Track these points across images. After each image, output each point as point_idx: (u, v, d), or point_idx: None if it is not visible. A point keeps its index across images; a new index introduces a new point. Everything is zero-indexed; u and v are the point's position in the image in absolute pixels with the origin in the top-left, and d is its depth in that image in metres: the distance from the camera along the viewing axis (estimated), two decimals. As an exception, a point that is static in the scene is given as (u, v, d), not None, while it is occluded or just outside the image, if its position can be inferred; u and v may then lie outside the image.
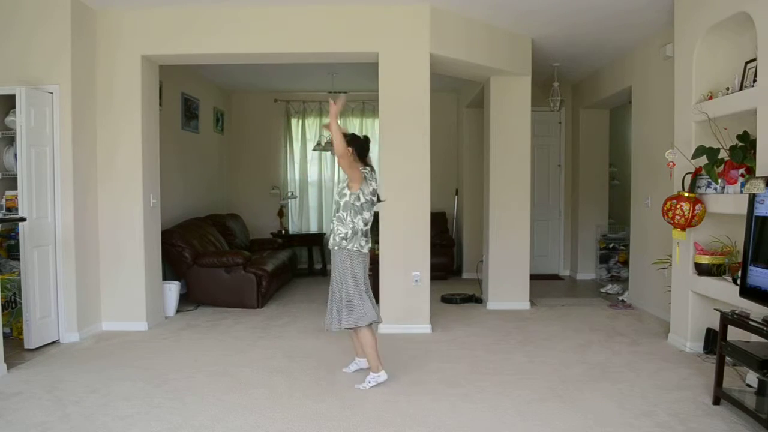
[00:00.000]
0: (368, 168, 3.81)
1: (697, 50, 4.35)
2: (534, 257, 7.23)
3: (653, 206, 5.68)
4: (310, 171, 9.03)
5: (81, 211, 4.89)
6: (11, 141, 4.83)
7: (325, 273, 8.56)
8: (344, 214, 3.70)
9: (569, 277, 8.34)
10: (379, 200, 3.87)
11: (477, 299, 6.42)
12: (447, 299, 6.44)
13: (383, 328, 5.12)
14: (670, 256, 4.80)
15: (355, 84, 8.22)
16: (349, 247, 3.70)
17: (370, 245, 3.81)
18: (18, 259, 4.58)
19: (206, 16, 5.08)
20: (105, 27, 5.09)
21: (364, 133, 3.87)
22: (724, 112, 4.03)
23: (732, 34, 4.21)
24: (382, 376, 3.73)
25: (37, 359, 4.26)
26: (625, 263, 7.35)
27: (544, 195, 8.40)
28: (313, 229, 9.07)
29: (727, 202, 3.96)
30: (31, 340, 4.45)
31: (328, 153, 8.74)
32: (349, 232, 3.69)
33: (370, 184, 3.74)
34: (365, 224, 3.74)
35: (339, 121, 3.67)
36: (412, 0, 5.01)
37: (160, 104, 5.78)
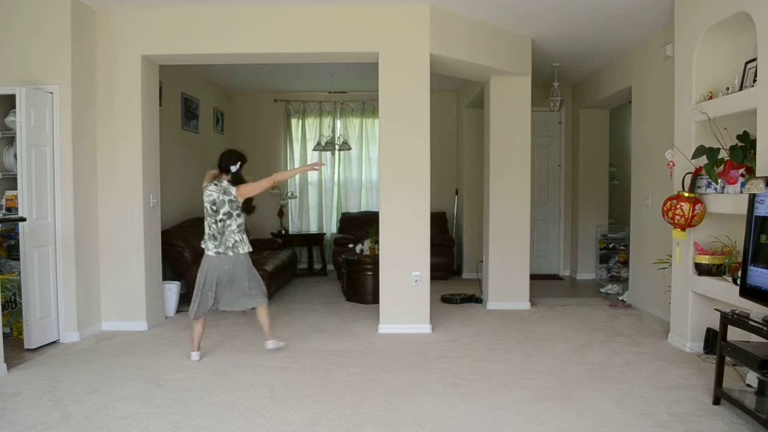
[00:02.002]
0: (224, 181, 4.25)
1: (697, 50, 4.35)
2: (534, 257, 7.23)
3: (653, 206, 5.68)
4: (310, 171, 9.01)
5: (81, 211, 4.90)
6: (11, 141, 4.83)
7: (325, 273, 8.56)
8: None
9: (569, 277, 8.34)
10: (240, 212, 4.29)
11: (477, 299, 6.42)
12: (447, 299, 6.43)
13: (384, 329, 5.13)
14: (670, 256, 4.80)
15: (355, 84, 8.23)
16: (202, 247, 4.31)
17: (218, 251, 4.22)
18: (18, 259, 4.59)
19: (206, 16, 5.08)
20: (105, 27, 5.09)
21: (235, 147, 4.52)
22: (724, 112, 4.03)
23: (732, 34, 4.21)
24: (194, 356, 4.25)
25: (37, 359, 4.26)
26: (625, 263, 7.35)
27: (544, 195, 8.40)
28: (313, 229, 9.07)
29: (727, 202, 3.96)
30: (31, 340, 4.45)
31: (328, 153, 8.74)
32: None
33: (212, 194, 4.20)
34: (208, 228, 4.24)
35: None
36: (412, 0, 5.01)
37: (160, 104, 5.78)
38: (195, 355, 4.26)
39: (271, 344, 4.42)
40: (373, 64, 5.29)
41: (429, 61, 5.11)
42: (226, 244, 4.21)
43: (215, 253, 4.20)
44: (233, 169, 4.29)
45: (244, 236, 4.32)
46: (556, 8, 5.03)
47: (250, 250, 4.35)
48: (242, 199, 4.26)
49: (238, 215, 4.26)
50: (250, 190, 4.29)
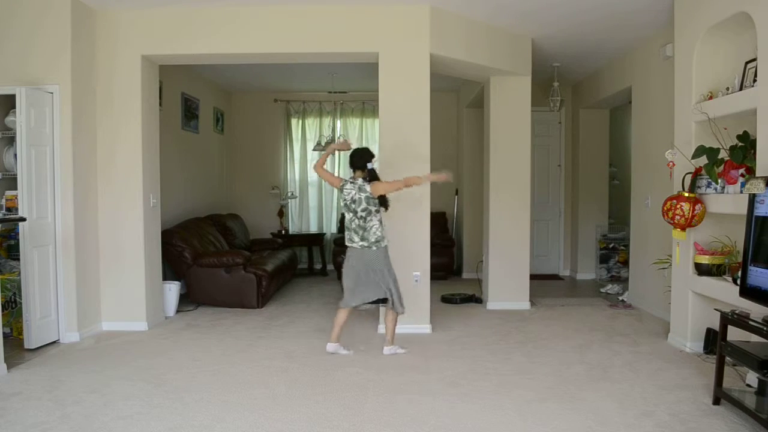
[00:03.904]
0: (360, 179, 4.37)
1: (697, 50, 4.35)
2: (534, 257, 7.23)
3: (653, 206, 5.68)
4: (310, 171, 9.01)
5: (81, 211, 4.89)
6: (11, 141, 4.83)
7: (325, 273, 8.56)
8: None
9: (569, 277, 8.34)
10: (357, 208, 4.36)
11: (477, 299, 6.42)
12: (447, 299, 6.43)
13: (383, 329, 5.12)
14: (670, 256, 4.80)
15: (355, 84, 8.22)
16: None
17: (350, 242, 4.43)
18: (18, 259, 4.59)
19: (206, 16, 5.08)
20: (105, 27, 5.09)
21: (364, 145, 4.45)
22: (724, 112, 4.03)
23: (732, 34, 4.21)
24: (328, 347, 4.46)
25: (37, 359, 4.26)
26: (625, 263, 7.35)
27: (544, 195, 8.40)
28: (313, 229, 9.06)
29: (727, 202, 3.96)
30: (31, 340, 4.45)
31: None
32: None
33: (350, 192, 4.35)
34: (350, 223, 4.41)
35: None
36: (412, 0, 5.01)
37: (160, 104, 5.78)
38: (330, 346, 4.44)
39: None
40: (373, 64, 5.29)
41: (429, 61, 5.11)
42: (369, 240, 4.33)
43: (360, 246, 4.35)
44: (369, 166, 4.41)
45: (384, 230, 4.42)
46: (554, 7, 5.03)
47: (387, 243, 4.47)
48: (377, 195, 4.35)
49: (377, 211, 4.38)
50: (383, 188, 4.37)
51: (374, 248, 4.33)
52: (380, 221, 4.38)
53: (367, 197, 4.32)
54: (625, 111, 7.53)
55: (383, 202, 4.43)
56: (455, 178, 8.82)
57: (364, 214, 4.33)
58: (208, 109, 7.99)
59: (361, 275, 4.37)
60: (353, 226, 4.37)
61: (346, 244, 4.45)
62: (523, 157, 6.02)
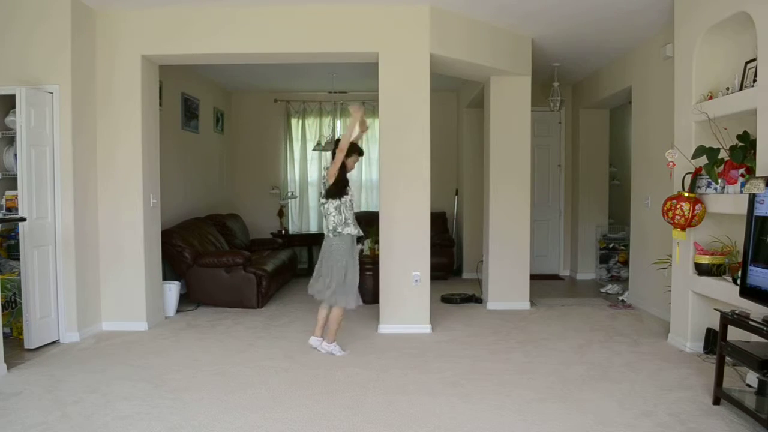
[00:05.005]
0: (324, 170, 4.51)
1: (697, 50, 4.35)
2: (534, 257, 7.22)
3: (653, 206, 5.68)
4: (310, 171, 9.03)
5: (81, 211, 4.89)
6: (11, 141, 4.83)
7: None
8: None
9: (569, 277, 8.34)
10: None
11: (477, 299, 6.42)
12: (447, 299, 6.43)
13: (384, 329, 5.13)
14: (670, 256, 4.80)
15: (355, 84, 8.23)
16: None
17: (324, 232, 4.44)
18: (18, 259, 4.59)
19: (206, 16, 5.08)
20: (105, 27, 5.09)
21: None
22: (724, 112, 4.03)
23: (732, 34, 4.21)
24: (311, 340, 4.51)
25: (37, 359, 4.26)
26: (625, 263, 7.35)
27: (544, 195, 8.40)
28: (313, 229, 9.06)
29: (727, 202, 3.96)
30: (31, 340, 4.45)
31: (328, 153, 8.71)
32: None
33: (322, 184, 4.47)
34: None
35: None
36: (412, 0, 5.01)
37: (160, 104, 5.78)
38: (312, 340, 4.50)
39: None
40: (373, 64, 5.29)
41: (429, 61, 5.11)
42: (329, 227, 4.36)
43: (326, 234, 4.39)
44: (330, 157, 4.52)
45: (346, 217, 4.33)
46: (555, 7, 5.03)
47: (357, 233, 4.40)
48: (331, 180, 4.32)
49: (332, 197, 4.38)
50: (331, 170, 4.34)
51: (332, 235, 4.32)
52: (336, 208, 4.31)
53: (324, 183, 4.40)
54: (625, 111, 7.54)
55: (329, 190, 4.30)
56: (455, 178, 8.84)
57: (323, 200, 4.39)
58: (208, 109, 7.99)
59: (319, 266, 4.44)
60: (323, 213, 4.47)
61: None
62: (523, 157, 6.02)
